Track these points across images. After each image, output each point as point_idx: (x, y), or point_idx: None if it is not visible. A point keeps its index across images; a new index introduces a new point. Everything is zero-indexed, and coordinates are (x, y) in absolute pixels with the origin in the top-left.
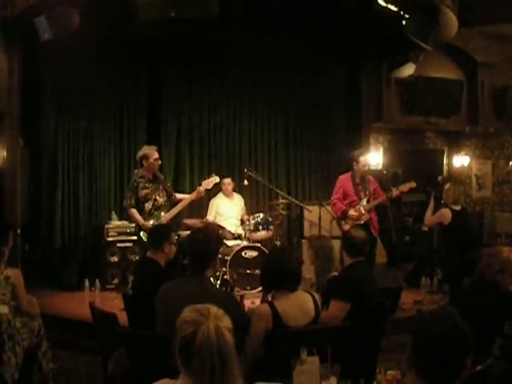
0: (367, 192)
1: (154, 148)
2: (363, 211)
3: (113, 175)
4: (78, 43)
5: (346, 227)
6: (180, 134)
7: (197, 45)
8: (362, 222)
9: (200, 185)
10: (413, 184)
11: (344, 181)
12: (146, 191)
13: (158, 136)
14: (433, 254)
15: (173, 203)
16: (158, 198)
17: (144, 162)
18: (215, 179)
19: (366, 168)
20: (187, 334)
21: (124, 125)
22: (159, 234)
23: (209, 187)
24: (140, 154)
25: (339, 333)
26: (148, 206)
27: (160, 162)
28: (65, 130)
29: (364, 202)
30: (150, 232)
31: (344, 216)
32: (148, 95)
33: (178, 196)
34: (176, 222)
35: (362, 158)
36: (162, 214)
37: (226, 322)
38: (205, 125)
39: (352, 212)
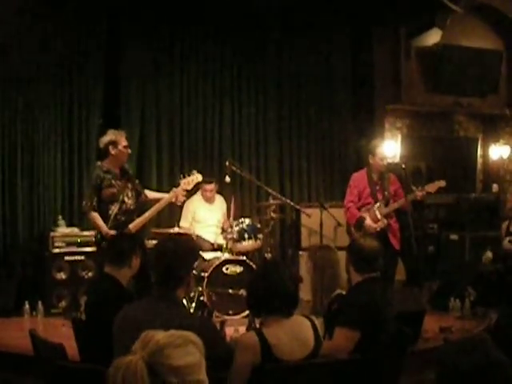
0: (386, 193)
1: (123, 133)
2: (379, 216)
3: (60, 171)
4: None
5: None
6: (144, 118)
7: (168, 5)
8: (378, 229)
9: (178, 184)
10: (442, 183)
11: (358, 180)
12: (112, 190)
13: (116, 121)
14: (464, 269)
15: (142, 205)
16: (126, 199)
17: (111, 150)
18: (197, 178)
19: (385, 162)
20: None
21: (74, 106)
22: (125, 245)
23: (189, 187)
24: (106, 139)
25: (346, 368)
26: (113, 209)
27: (130, 151)
28: None
29: (381, 204)
30: (112, 242)
31: (359, 225)
32: (105, 69)
33: (150, 195)
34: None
35: (378, 150)
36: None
37: (177, 360)
38: (175, 107)
39: (369, 222)
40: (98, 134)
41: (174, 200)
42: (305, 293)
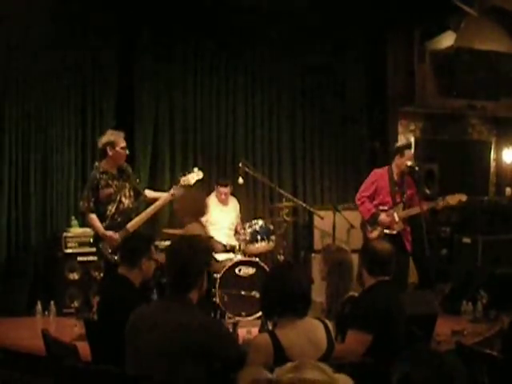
0: (404, 196)
1: (122, 134)
2: (397, 219)
3: (73, 171)
4: None
5: (373, 235)
6: (158, 120)
7: (180, 4)
8: (395, 233)
9: (178, 182)
10: (463, 197)
11: (379, 176)
12: (109, 191)
13: (130, 122)
14: (476, 273)
15: (141, 204)
16: (123, 199)
17: (109, 151)
18: (197, 174)
19: (411, 164)
20: None
21: (87, 107)
22: (135, 246)
23: (190, 184)
24: (104, 140)
25: (358, 371)
26: (110, 209)
27: (128, 152)
28: (12, 114)
29: (399, 207)
30: (125, 242)
31: (373, 220)
32: (118, 69)
33: (150, 195)
34: (153, 230)
35: (408, 151)
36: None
37: None
38: (189, 107)
39: (384, 217)
40: None
41: (170, 198)
42: (316, 294)
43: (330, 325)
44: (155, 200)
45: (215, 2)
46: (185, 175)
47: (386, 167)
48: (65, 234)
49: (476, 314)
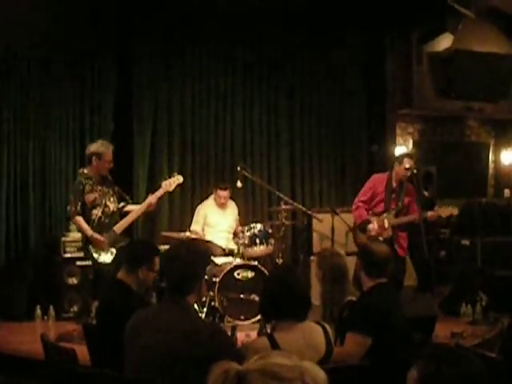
0: (400, 203)
1: (111, 147)
2: (386, 226)
3: (71, 175)
4: None
5: (362, 239)
6: (156, 123)
7: (178, 6)
8: (381, 239)
9: (159, 186)
10: (455, 211)
11: (377, 182)
12: (94, 195)
13: (128, 127)
14: (475, 274)
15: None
16: (108, 203)
17: (94, 161)
18: (178, 179)
19: (408, 173)
20: None
21: (85, 111)
22: (138, 253)
23: (170, 189)
24: (92, 149)
25: (357, 374)
26: (96, 213)
27: (112, 165)
28: (9, 120)
29: (391, 214)
30: (129, 247)
31: (363, 227)
32: (117, 73)
33: (127, 208)
34: (152, 234)
35: (406, 159)
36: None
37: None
38: (187, 111)
39: (372, 226)
40: (110, 140)
41: (147, 207)
42: (315, 298)
43: (329, 329)
44: (128, 212)
45: (213, 7)
46: (166, 179)
47: (387, 173)
48: (63, 239)
49: (475, 316)
